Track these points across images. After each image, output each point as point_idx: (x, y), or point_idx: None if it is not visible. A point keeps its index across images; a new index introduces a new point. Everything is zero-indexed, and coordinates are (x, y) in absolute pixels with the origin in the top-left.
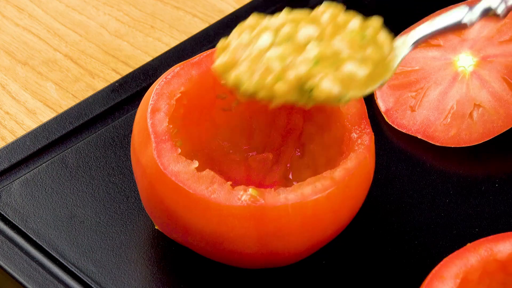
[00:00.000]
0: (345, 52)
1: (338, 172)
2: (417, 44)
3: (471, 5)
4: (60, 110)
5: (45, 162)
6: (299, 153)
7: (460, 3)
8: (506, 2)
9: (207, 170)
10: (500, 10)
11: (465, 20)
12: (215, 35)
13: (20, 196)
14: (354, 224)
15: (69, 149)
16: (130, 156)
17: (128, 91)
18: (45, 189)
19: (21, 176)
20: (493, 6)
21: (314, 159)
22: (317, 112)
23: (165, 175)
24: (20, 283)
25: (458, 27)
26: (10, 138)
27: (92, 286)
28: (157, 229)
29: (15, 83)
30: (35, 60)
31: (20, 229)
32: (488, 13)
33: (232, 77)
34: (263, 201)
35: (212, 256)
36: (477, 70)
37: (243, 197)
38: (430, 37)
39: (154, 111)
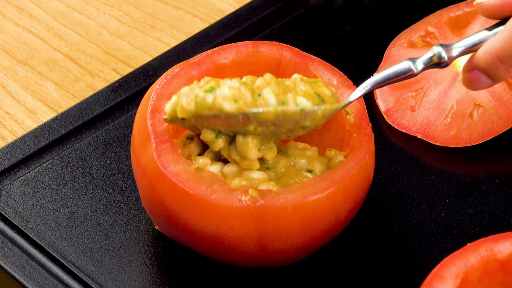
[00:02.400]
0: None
1: (338, 172)
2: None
3: (415, 58)
4: (60, 110)
5: (45, 162)
6: None
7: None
8: (449, 54)
9: (207, 170)
10: (444, 60)
11: (413, 68)
12: (215, 35)
13: (20, 196)
14: (354, 224)
15: (69, 149)
16: (130, 156)
17: (128, 91)
18: (45, 189)
19: (21, 176)
20: (438, 56)
21: None
22: None
23: (165, 176)
24: (20, 283)
25: (406, 75)
26: (10, 138)
27: (92, 286)
28: (157, 229)
29: (15, 83)
30: (35, 60)
31: (20, 229)
32: (432, 63)
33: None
34: (263, 202)
35: (212, 256)
36: None
37: (243, 198)
38: (378, 87)
39: (154, 111)
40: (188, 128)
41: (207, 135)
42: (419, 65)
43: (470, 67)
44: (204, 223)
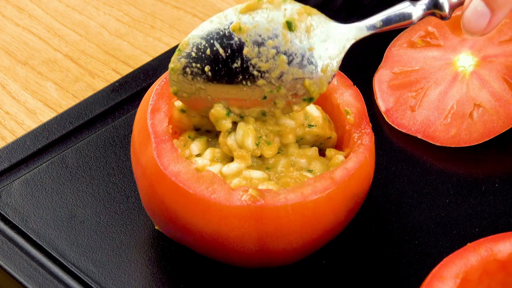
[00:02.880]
0: None
1: (338, 172)
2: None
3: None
4: (60, 110)
5: (45, 162)
6: None
7: None
8: (449, 1)
9: (207, 170)
10: (444, 9)
11: (411, 12)
12: None
13: (20, 196)
14: (354, 224)
15: (69, 149)
16: (130, 156)
17: (128, 91)
18: (45, 189)
19: (21, 176)
20: (438, 3)
21: None
22: None
23: (165, 176)
24: (20, 283)
25: (404, 20)
26: (10, 138)
27: (92, 286)
28: (157, 229)
29: (15, 83)
30: (35, 60)
31: (20, 229)
32: (432, 10)
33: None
34: (263, 201)
35: (212, 256)
36: (477, 70)
37: (243, 197)
38: (375, 31)
39: (154, 111)
40: (194, 103)
41: (219, 111)
42: (419, 8)
43: (467, 1)
44: (204, 223)
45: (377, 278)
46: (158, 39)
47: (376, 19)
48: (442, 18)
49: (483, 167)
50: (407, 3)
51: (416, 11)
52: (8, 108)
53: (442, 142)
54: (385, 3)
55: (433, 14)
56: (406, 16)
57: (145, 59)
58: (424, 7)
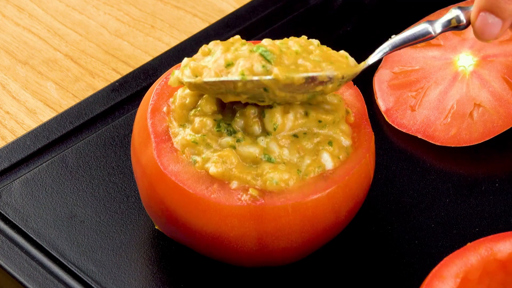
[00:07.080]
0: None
1: (338, 172)
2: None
3: (433, 20)
4: (60, 110)
5: (45, 162)
6: None
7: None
8: (467, 15)
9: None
10: (462, 24)
11: (431, 31)
12: (215, 35)
13: (21, 196)
14: (354, 224)
15: (69, 148)
16: (130, 156)
17: (129, 91)
18: (45, 188)
19: (22, 175)
20: (457, 20)
21: None
22: None
23: (165, 175)
24: (20, 283)
25: (425, 38)
26: (10, 138)
27: (92, 285)
28: (157, 229)
29: (15, 82)
30: (35, 59)
31: (20, 228)
32: (451, 26)
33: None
34: (263, 201)
35: (212, 255)
36: (477, 69)
37: (243, 197)
38: (396, 49)
39: (154, 111)
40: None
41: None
42: (438, 27)
43: (475, 13)
44: (204, 222)
45: (377, 278)
46: (158, 39)
47: (395, 41)
48: (461, 29)
49: (483, 167)
50: (426, 25)
51: (435, 30)
52: (8, 108)
53: (442, 142)
54: (385, 3)
55: (452, 29)
56: (426, 36)
57: (145, 59)
58: (442, 28)
